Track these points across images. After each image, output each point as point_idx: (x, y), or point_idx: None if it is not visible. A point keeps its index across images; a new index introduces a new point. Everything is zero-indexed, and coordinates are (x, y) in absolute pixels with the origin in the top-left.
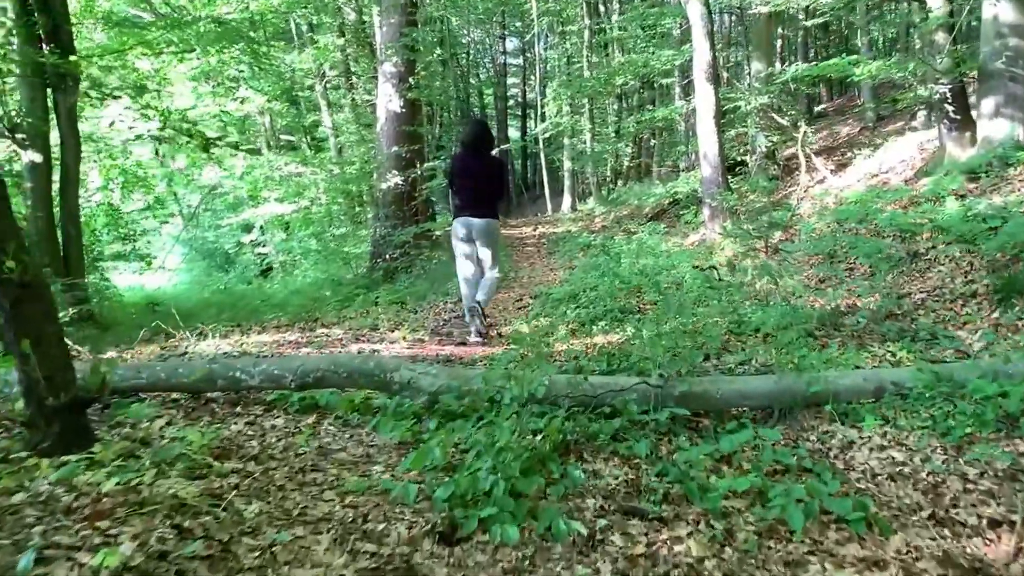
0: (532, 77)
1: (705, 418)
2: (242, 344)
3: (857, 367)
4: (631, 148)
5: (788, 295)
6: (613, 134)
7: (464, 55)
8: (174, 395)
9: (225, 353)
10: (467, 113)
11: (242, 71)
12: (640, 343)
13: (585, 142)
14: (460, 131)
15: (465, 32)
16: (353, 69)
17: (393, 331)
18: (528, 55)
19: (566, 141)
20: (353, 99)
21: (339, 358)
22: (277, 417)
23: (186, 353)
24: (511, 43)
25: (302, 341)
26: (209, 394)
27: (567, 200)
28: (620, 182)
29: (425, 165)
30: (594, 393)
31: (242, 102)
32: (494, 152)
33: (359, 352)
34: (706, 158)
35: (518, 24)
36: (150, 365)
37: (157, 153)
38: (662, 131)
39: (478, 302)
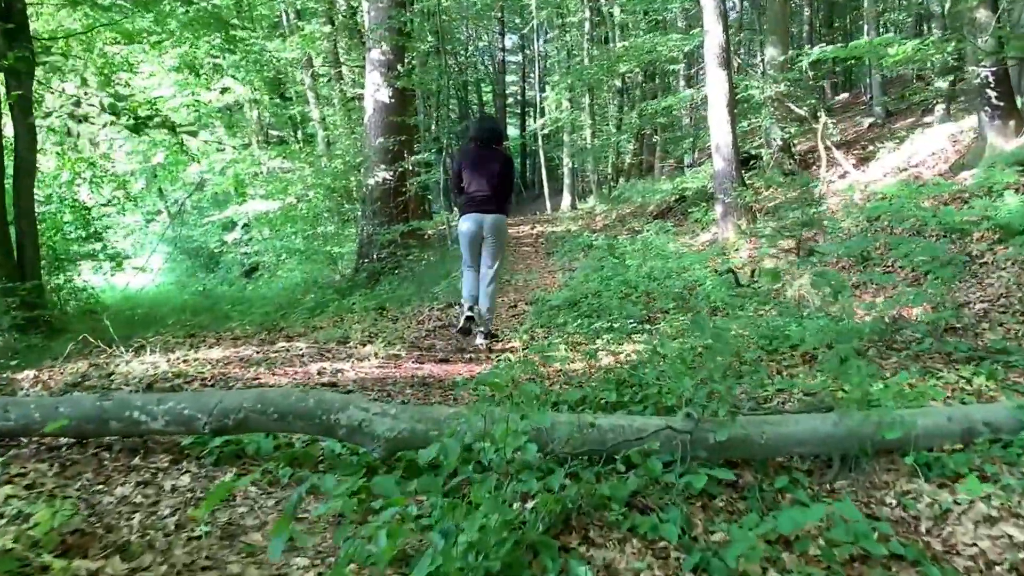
0: (532, 75)
1: (744, 469)
2: (184, 360)
3: (933, 400)
4: (633, 144)
5: (826, 305)
6: (614, 130)
7: (462, 51)
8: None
9: (150, 377)
10: (465, 110)
11: (218, 57)
12: (655, 363)
13: (585, 138)
14: (469, 127)
15: (463, 29)
16: (344, 60)
17: (366, 345)
18: (527, 52)
19: (566, 138)
20: (342, 90)
21: (269, 395)
22: (184, 473)
23: (112, 374)
24: (509, 40)
25: (256, 357)
26: (107, 437)
27: (566, 199)
28: (622, 179)
29: (414, 158)
30: (603, 442)
31: (223, 92)
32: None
33: (319, 372)
34: (719, 150)
35: (517, 21)
36: (23, 402)
37: (69, 133)
38: (665, 128)
39: (486, 320)
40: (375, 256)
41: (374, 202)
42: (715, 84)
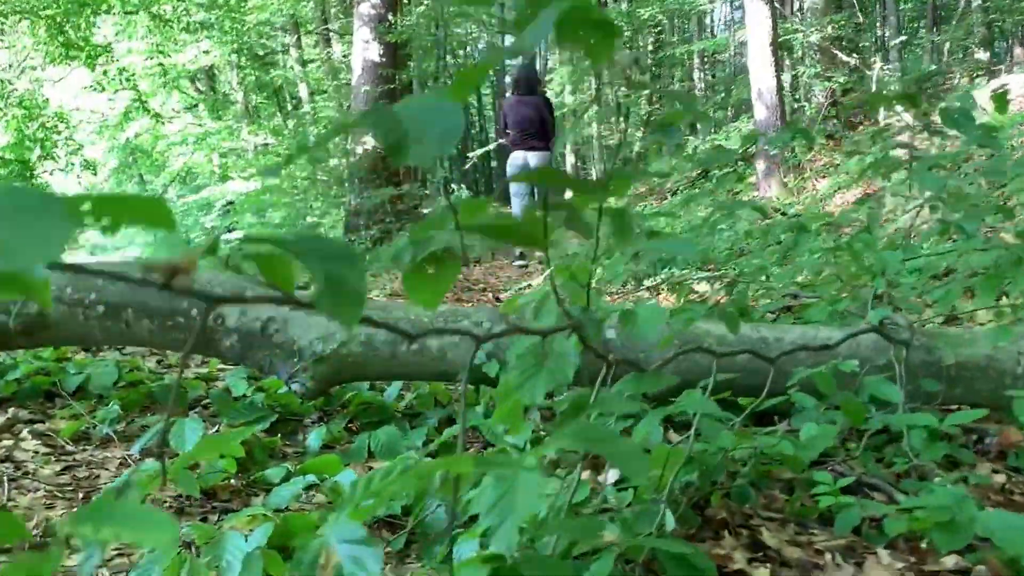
0: None
1: (995, 422)
2: None
3: None
4: (642, 132)
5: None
6: (625, 96)
7: (462, 49)
8: None
9: None
10: (466, 111)
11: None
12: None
13: (591, 126)
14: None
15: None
16: (333, 28)
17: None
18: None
19: (568, 130)
20: (329, 55)
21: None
22: None
23: None
24: (510, 40)
25: None
26: None
27: (568, 195)
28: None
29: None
30: (734, 363)
31: (204, 53)
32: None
33: None
34: (760, 96)
35: None
36: None
37: None
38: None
39: None
40: (362, 228)
41: (360, 171)
42: (756, 22)
